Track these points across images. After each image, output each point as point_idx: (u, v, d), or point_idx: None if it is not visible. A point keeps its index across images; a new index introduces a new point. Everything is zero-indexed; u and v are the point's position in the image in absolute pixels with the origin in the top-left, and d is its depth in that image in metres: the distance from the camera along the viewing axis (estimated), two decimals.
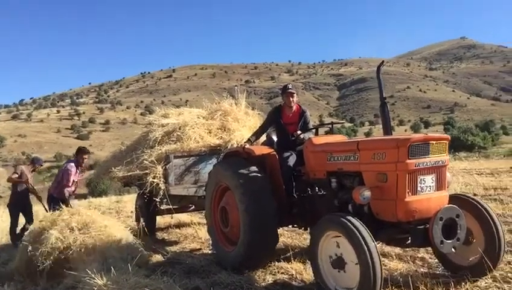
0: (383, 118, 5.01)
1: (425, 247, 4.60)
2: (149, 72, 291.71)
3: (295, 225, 6.10)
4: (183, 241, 8.39)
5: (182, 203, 8.21)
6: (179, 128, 8.03)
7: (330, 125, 6.02)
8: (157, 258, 6.86)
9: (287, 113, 6.25)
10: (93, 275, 4.99)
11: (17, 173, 9.17)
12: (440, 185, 4.47)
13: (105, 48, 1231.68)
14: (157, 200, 7.39)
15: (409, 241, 4.49)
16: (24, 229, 9.01)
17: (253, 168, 5.67)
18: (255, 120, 8.64)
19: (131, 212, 12.30)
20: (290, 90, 6.17)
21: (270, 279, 5.41)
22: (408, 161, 4.22)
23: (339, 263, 4.29)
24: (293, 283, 5.25)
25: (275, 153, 5.86)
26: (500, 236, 4.57)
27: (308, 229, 6.00)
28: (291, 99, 6.15)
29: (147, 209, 8.38)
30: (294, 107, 6.26)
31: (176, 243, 8.31)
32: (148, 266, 6.23)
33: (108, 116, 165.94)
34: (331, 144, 5.29)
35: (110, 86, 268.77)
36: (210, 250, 7.12)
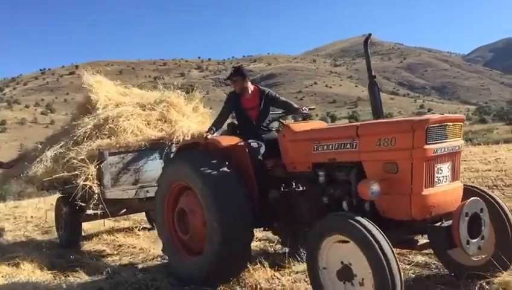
0: (372, 97, 4.27)
1: (448, 249, 3.91)
2: (49, 69, 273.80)
3: (266, 228, 5.23)
4: (87, 243, 7.95)
5: (117, 208, 6.93)
6: (112, 120, 6.76)
7: (307, 110, 5.18)
8: (60, 262, 6.41)
9: (246, 97, 5.36)
10: None
11: None
12: (455, 174, 3.83)
13: None
14: (91, 205, 6.14)
15: (428, 243, 3.78)
16: None
17: (221, 163, 4.70)
18: (203, 118, 7.61)
19: (31, 217, 11.88)
20: (233, 77, 5.36)
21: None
22: (426, 146, 3.51)
23: (345, 274, 3.48)
24: None
25: (244, 144, 4.91)
26: None
27: (283, 232, 5.16)
28: (241, 86, 5.33)
29: (74, 216, 7.06)
30: (252, 88, 5.39)
31: (80, 245, 7.77)
32: (49, 270, 5.83)
33: (4, 116, 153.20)
34: (319, 131, 4.46)
35: (5, 84, 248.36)
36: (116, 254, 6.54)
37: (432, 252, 4.72)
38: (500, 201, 4.11)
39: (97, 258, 6.50)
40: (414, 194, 3.53)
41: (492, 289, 3.91)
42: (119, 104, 7.24)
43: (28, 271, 5.61)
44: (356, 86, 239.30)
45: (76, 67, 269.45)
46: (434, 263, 4.79)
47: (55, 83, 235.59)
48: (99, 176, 6.27)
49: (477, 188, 4.22)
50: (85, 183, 6.05)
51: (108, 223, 9.41)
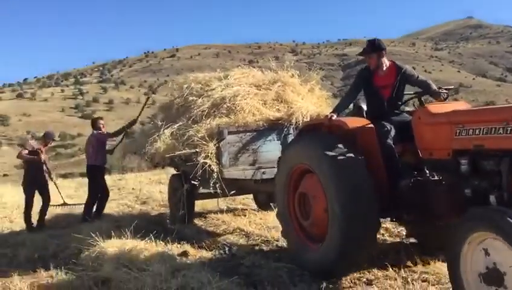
0: None
1: None
2: (152, 52, 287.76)
3: (394, 219, 4.91)
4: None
5: (231, 187, 6.96)
6: (229, 100, 6.76)
7: (448, 91, 4.71)
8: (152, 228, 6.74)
9: (380, 74, 4.90)
10: (96, 238, 5.53)
11: (27, 149, 8.40)
12: None
13: (109, 27, 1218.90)
14: (211, 184, 6.18)
15: None
16: (42, 211, 8.41)
17: (346, 146, 4.43)
18: (320, 101, 7.34)
19: (132, 189, 13.54)
20: (368, 54, 4.87)
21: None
22: None
23: (493, 277, 3.09)
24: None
25: (372, 126, 4.61)
26: None
27: (413, 225, 4.83)
28: (376, 63, 4.86)
29: (191, 194, 7.26)
30: (388, 64, 4.92)
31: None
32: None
33: (111, 96, 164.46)
34: (463, 112, 4.02)
35: (113, 66, 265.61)
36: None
37: None
38: None
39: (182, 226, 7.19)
40: None
41: None
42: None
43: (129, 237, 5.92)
44: (458, 72, 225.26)
45: (177, 50, 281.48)
46: None
47: (157, 66, 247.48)
48: (218, 155, 6.31)
49: None
50: (205, 161, 6.11)
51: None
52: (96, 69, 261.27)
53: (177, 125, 6.95)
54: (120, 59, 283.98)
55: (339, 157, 4.35)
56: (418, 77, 4.92)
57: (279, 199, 5.26)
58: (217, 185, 6.17)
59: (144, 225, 7.04)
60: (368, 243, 4.38)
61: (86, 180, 9.52)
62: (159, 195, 11.32)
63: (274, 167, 5.63)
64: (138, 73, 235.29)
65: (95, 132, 8.63)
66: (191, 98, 7.28)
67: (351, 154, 4.38)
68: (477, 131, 3.71)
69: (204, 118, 6.66)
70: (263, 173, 6.46)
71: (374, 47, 4.88)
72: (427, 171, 4.42)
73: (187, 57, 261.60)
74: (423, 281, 4.30)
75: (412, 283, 4.24)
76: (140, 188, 13.22)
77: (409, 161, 4.61)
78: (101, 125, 8.76)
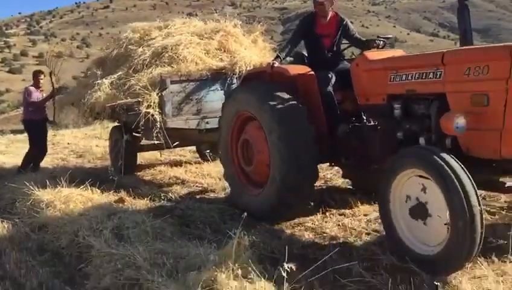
0: (462, 23, 3.89)
1: None
2: (84, 2, 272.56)
3: (332, 164, 5.18)
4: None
5: (174, 138, 6.96)
6: (171, 49, 6.67)
7: (386, 39, 4.89)
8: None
9: (322, 22, 5.02)
10: (31, 187, 5.44)
11: None
12: None
13: None
14: (153, 135, 6.15)
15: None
16: None
17: (287, 93, 4.60)
18: (263, 52, 7.38)
19: (68, 144, 13.25)
20: None
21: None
22: None
23: (419, 212, 3.38)
24: None
25: (313, 73, 4.76)
26: None
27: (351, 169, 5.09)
28: (326, 10, 4.95)
29: (132, 145, 7.21)
30: (331, 14, 5.04)
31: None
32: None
33: (42, 49, 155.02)
34: (397, 59, 4.24)
35: (42, 17, 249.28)
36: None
37: None
38: None
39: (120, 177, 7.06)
40: (506, 131, 3.26)
41: None
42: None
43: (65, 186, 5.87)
44: (394, 27, 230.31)
45: (111, 1, 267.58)
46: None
47: (90, 17, 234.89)
48: (161, 104, 6.27)
49: None
50: (147, 110, 6.07)
51: None
52: (23, 20, 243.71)
53: (117, 74, 6.82)
54: (49, 10, 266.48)
55: (280, 105, 4.52)
56: (354, 34, 5.13)
57: (222, 146, 5.37)
58: (160, 136, 6.16)
59: (80, 175, 6.93)
60: (306, 192, 4.64)
61: (17, 136, 9.13)
62: (95, 149, 11.16)
63: (218, 117, 5.70)
64: (69, 25, 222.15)
65: (29, 87, 8.36)
66: (130, 48, 7.14)
67: (292, 101, 4.56)
68: (409, 76, 3.94)
69: (145, 68, 6.57)
70: (207, 122, 6.52)
71: None
72: (364, 117, 4.66)
73: (122, 9, 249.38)
74: (340, 215, 4.82)
75: (330, 217, 4.76)
76: (76, 143, 13.12)
77: (348, 108, 4.84)
78: (39, 80, 8.44)
